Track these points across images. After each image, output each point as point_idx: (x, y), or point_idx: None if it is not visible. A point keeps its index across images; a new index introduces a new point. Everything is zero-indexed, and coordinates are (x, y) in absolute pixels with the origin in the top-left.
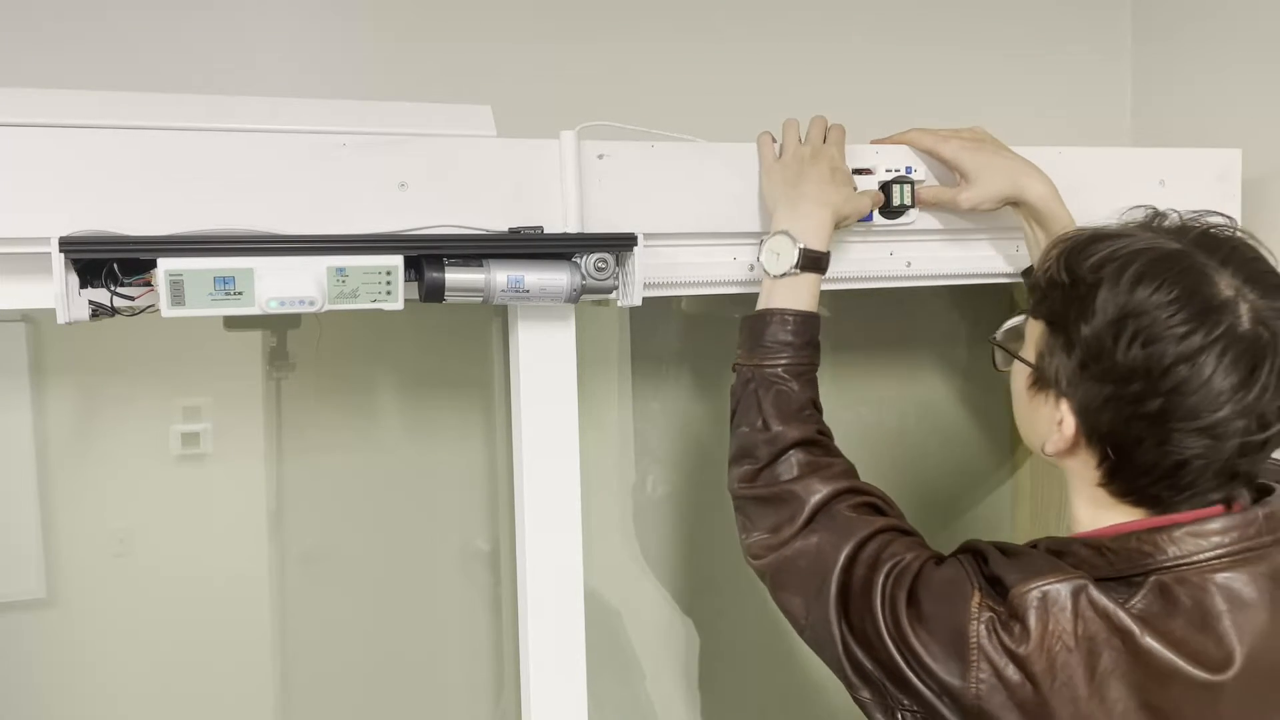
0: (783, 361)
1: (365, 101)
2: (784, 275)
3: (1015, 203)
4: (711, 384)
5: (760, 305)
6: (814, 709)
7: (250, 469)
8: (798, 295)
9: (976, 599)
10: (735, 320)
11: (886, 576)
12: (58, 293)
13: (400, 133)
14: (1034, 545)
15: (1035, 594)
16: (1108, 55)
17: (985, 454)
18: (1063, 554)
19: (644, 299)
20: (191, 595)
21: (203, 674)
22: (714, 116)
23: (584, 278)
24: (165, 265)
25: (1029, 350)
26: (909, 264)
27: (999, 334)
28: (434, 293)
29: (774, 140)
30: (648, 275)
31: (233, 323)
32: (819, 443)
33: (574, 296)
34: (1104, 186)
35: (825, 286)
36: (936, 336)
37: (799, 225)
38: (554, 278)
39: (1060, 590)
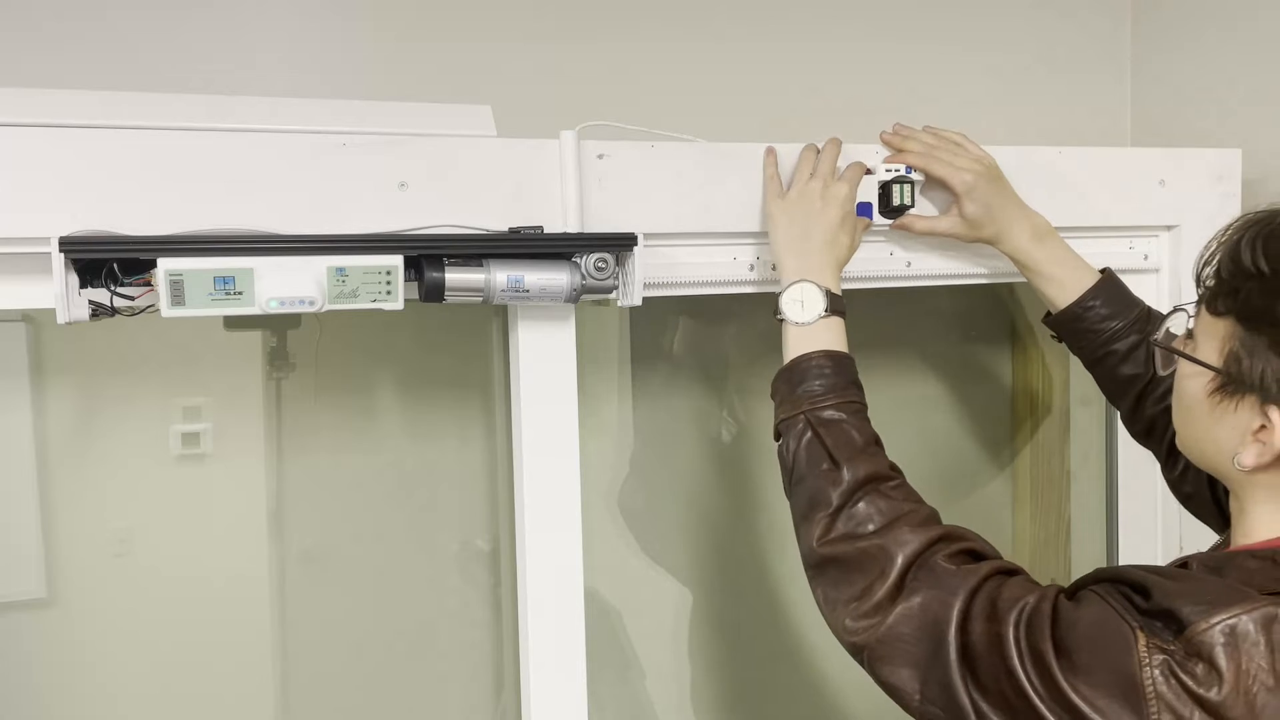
0: (833, 400)
1: (365, 101)
2: (814, 321)
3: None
4: (711, 383)
5: (791, 355)
6: (815, 707)
7: (250, 469)
8: (831, 338)
9: (1143, 641)
10: (731, 316)
11: (1016, 626)
12: (58, 293)
13: (400, 133)
14: (1184, 565)
15: (1221, 629)
16: (1108, 55)
17: (984, 455)
18: (1223, 569)
19: (644, 299)
20: (191, 595)
21: (203, 674)
22: (714, 116)
23: (584, 278)
24: (165, 265)
25: (1208, 351)
26: (909, 264)
27: (1159, 336)
28: (434, 293)
29: (777, 160)
30: (648, 275)
31: (233, 323)
32: (894, 479)
33: (574, 296)
34: (1104, 186)
35: None
36: (934, 337)
37: (820, 275)
38: (554, 278)
39: (1248, 622)
